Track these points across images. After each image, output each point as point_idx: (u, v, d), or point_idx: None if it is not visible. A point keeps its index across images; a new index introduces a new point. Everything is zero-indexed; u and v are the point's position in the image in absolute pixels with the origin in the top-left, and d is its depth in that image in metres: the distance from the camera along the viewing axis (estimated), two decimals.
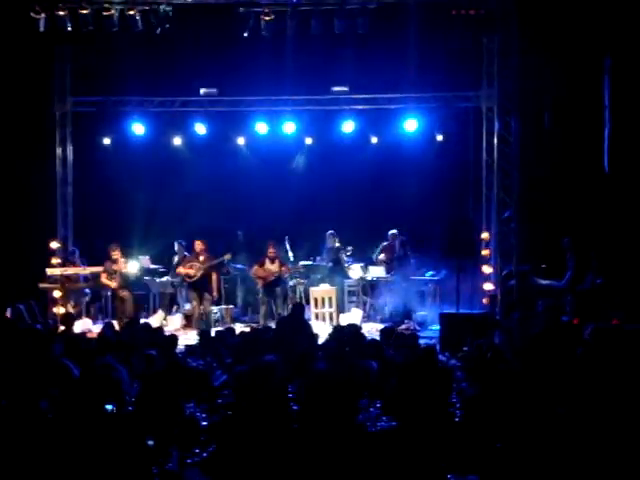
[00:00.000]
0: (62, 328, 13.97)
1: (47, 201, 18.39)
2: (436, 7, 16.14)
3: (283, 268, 17.56)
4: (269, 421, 7.03)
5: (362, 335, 12.01)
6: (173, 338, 11.75)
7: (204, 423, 7.50)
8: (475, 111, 18.09)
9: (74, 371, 8.17)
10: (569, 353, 9.78)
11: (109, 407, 6.95)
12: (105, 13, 15.96)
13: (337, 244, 18.28)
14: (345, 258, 18.31)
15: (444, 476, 6.14)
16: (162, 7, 15.98)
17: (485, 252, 17.66)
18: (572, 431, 6.76)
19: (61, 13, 15.93)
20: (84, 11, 15.88)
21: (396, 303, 17.52)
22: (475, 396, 8.15)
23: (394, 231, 18.17)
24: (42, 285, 17.52)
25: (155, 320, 17.24)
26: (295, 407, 7.93)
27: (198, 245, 17.45)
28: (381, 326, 15.65)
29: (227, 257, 17.46)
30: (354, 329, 12.51)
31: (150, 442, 6.38)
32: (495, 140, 17.37)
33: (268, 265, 17.53)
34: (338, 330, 12.62)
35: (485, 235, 17.73)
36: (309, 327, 13.35)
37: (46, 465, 6.00)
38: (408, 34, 16.43)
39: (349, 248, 18.41)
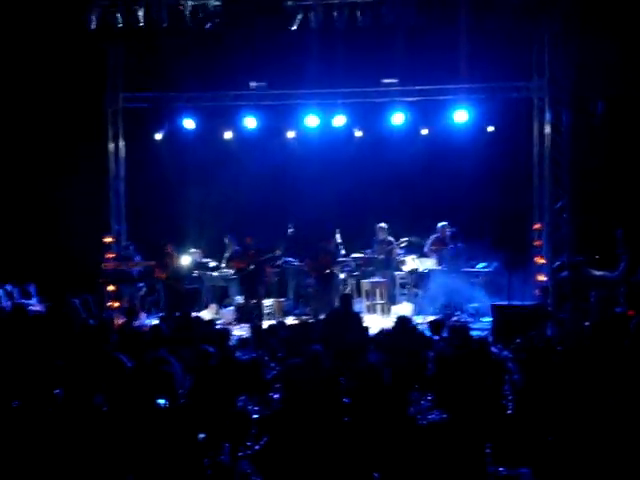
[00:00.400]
0: (121, 322, 14.14)
1: (100, 197, 18.60)
2: None
3: (335, 261, 17.59)
4: (320, 414, 7.05)
5: (415, 327, 11.97)
6: (225, 332, 11.80)
7: (255, 416, 7.54)
8: (526, 101, 17.93)
9: (128, 365, 8.26)
10: (620, 345, 9.68)
11: (161, 402, 7.03)
12: (155, 10, 16.04)
13: (388, 237, 18.26)
14: (397, 250, 18.26)
15: (495, 469, 6.12)
16: (211, 2, 16.05)
17: (537, 243, 17.53)
18: (622, 423, 6.70)
19: (112, 10, 16.05)
20: (135, 8, 15.99)
21: (448, 295, 17.46)
22: (527, 388, 8.11)
23: (444, 223, 18.08)
24: (97, 280, 17.75)
25: (207, 314, 17.37)
26: (346, 400, 7.95)
27: (248, 239, 17.55)
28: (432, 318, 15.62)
29: (278, 252, 17.54)
30: (406, 321, 12.50)
31: (201, 435, 6.45)
32: (546, 130, 17.22)
33: (322, 258, 17.55)
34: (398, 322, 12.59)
35: (537, 226, 17.60)
36: (359, 319, 13.36)
37: (101, 457, 6.08)
38: (457, 24, 16.33)
39: (403, 239, 18.34)
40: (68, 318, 13.17)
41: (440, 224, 18.12)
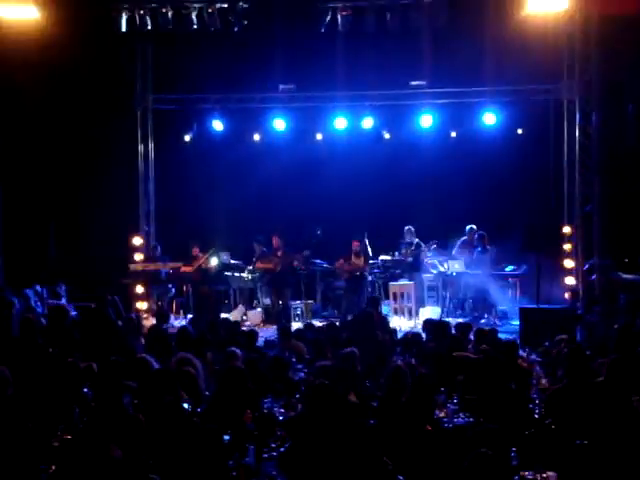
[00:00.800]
0: (151, 323, 14.19)
1: (129, 198, 18.68)
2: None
3: (366, 263, 17.61)
4: (346, 416, 7.05)
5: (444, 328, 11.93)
6: (253, 333, 11.82)
7: (281, 418, 7.55)
8: (556, 104, 17.83)
9: (154, 366, 8.31)
10: None
11: (185, 405, 7.06)
12: (184, 12, 16.11)
13: (415, 239, 18.24)
14: (427, 253, 18.18)
15: (521, 472, 6.09)
16: (240, 4, 16.07)
17: (567, 246, 17.43)
18: None
19: (141, 12, 16.13)
20: (164, 10, 16.06)
21: (476, 298, 17.41)
22: (554, 392, 8.08)
23: (472, 226, 18.01)
24: (125, 281, 17.83)
25: (235, 315, 17.41)
26: (374, 403, 7.95)
27: (276, 241, 17.59)
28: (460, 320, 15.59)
29: (305, 253, 17.54)
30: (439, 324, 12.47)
31: (226, 437, 6.46)
32: (577, 133, 17.12)
33: (354, 259, 17.57)
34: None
35: (567, 229, 17.50)
36: (386, 321, 13.34)
37: (128, 457, 6.10)
38: (486, 26, 16.24)
39: (433, 241, 18.27)
40: (106, 320, 13.24)
41: (468, 227, 18.05)
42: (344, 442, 6.24)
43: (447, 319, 16.54)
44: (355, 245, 17.54)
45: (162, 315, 14.39)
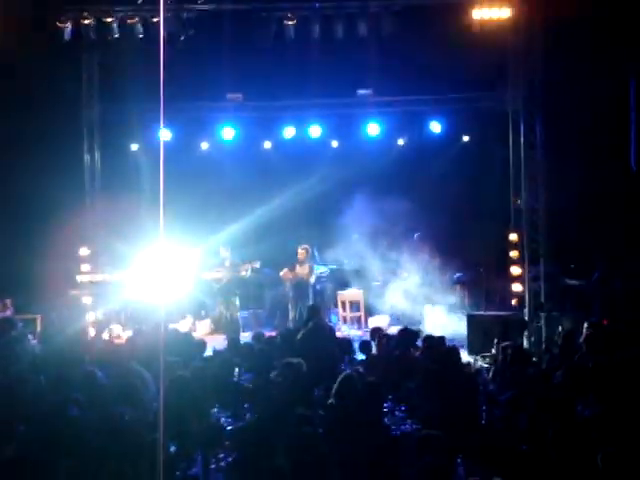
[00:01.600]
0: (92, 334, 14.09)
1: (76, 208, 18.47)
2: (458, 8, 16.04)
3: (311, 272, 17.59)
4: (293, 426, 7.04)
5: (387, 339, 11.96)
6: (202, 343, 11.79)
7: (229, 428, 7.53)
8: (501, 112, 17.97)
9: (100, 377, 8.25)
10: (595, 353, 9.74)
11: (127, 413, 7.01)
12: (129, 21, 16.03)
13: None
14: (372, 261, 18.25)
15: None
16: (185, 14, 16.03)
17: (513, 254, 17.56)
18: (598, 432, 6.74)
19: (86, 22, 16.03)
20: (108, 19, 15.98)
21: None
22: (501, 398, 8.14)
23: (419, 233, 18.14)
24: (73, 292, 17.65)
25: (184, 325, 17.31)
26: (320, 411, 7.95)
27: (223, 251, 17.51)
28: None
29: (255, 265, 17.47)
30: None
31: (172, 447, 6.43)
32: (521, 140, 17.27)
33: (298, 269, 17.55)
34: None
35: (513, 236, 17.62)
36: (331, 330, 13.34)
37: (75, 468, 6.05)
38: (432, 35, 16.38)
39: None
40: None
41: (416, 235, 18.16)
42: (292, 451, 6.24)
43: (395, 327, 16.68)
44: (300, 254, 17.53)
45: (101, 325, 14.31)
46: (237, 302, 17.47)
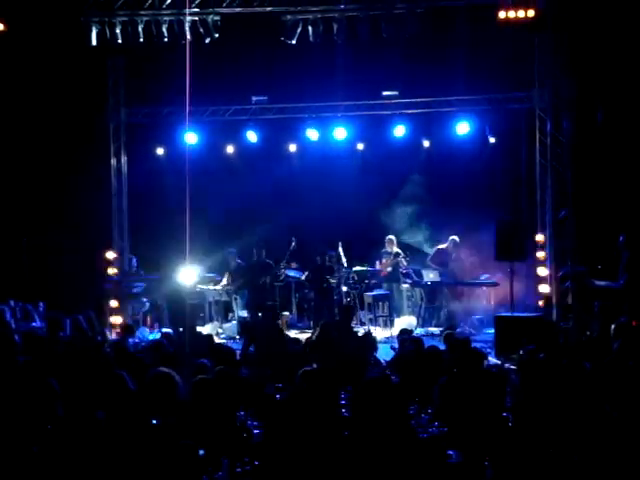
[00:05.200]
0: (116, 337, 14.13)
1: (103, 212, 18.56)
2: (485, 8, 15.97)
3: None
4: (320, 427, 7.02)
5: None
6: (226, 347, 11.78)
7: (256, 431, 7.52)
8: (527, 112, 17.92)
9: (129, 382, 8.24)
10: (623, 357, 9.64)
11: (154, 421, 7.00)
12: (155, 25, 16.08)
13: (395, 249, 18.30)
14: (404, 263, 18.25)
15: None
16: (211, 17, 16.07)
17: (540, 254, 17.49)
18: (624, 434, 6.67)
19: (112, 26, 16.09)
20: (134, 23, 16.04)
21: (451, 307, 17.46)
22: (528, 401, 8.08)
23: (454, 238, 18.07)
24: (100, 295, 17.74)
25: (210, 328, 17.35)
26: (346, 413, 7.93)
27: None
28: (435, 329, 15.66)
29: (292, 266, 17.55)
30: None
31: (201, 451, 6.42)
32: (548, 141, 17.20)
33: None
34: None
35: (540, 237, 17.56)
36: (355, 332, 13.33)
37: (101, 474, 6.06)
38: (457, 36, 16.35)
39: (406, 254, 18.38)
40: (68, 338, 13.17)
41: (451, 238, 18.10)
42: (319, 454, 6.22)
43: (422, 328, 16.67)
44: (321, 257, 17.59)
45: (127, 329, 14.33)
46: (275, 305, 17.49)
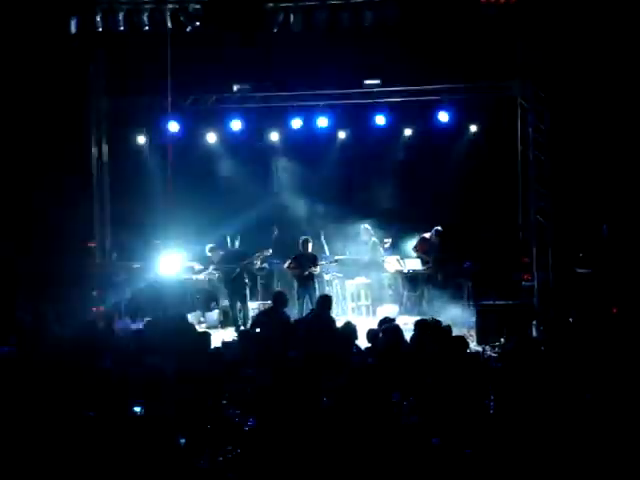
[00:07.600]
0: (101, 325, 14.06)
1: (84, 202, 18.45)
2: None
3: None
4: (300, 416, 7.04)
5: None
6: (206, 335, 11.77)
7: (237, 420, 7.52)
8: (509, 101, 17.90)
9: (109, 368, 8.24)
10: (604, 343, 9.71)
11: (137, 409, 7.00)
12: (135, 13, 16.00)
13: (373, 238, 18.29)
14: (382, 251, 18.29)
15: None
16: (192, 5, 15.99)
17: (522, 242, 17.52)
18: (601, 418, 6.73)
19: (92, 14, 16.00)
20: (115, 11, 15.95)
21: (433, 295, 17.48)
22: (509, 387, 8.12)
23: (438, 228, 18.07)
24: (81, 285, 17.66)
25: (192, 318, 17.29)
26: (326, 401, 7.94)
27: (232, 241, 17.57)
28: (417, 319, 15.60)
29: (267, 253, 17.51)
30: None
31: (182, 440, 6.43)
32: (530, 130, 17.20)
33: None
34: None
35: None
36: (332, 321, 13.28)
37: (84, 462, 6.06)
38: (438, 24, 16.31)
39: (386, 241, 18.42)
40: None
41: (434, 229, 18.10)
42: (301, 442, 6.24)
43: (404, 317, 16.66)
44: (302, 246, 17.50)
45: (108, 317, 14.31)
46: (247, 293, 17.44)
